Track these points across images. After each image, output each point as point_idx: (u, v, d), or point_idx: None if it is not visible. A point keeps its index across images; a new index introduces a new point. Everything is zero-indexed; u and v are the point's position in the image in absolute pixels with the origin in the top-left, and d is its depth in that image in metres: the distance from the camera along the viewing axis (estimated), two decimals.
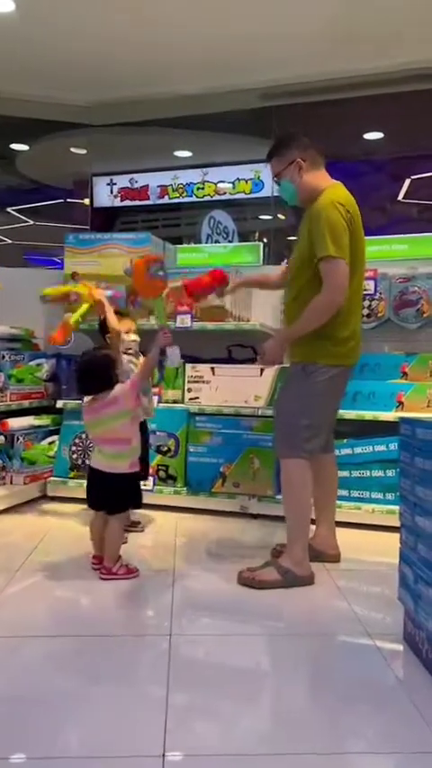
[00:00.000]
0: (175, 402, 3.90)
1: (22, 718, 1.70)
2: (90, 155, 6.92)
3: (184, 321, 3.82)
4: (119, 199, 6.81)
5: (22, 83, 5.70)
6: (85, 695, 1.84)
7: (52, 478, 4.07)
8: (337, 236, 2.52)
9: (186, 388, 3.87)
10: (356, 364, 2.81)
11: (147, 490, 3.66)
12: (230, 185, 6.46)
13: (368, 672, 1.99)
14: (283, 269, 3.08)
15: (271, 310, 3.95)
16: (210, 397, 3.80)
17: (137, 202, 6.76)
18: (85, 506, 3.02)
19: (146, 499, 3.69)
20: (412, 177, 6.66)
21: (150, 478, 3.69)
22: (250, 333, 3.91)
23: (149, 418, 3.39)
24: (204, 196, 6.53)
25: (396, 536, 2.19)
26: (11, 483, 3.99)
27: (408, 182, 6.70)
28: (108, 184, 6.81)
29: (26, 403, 4.20)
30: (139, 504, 2.93)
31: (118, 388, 2.75)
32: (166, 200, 6.66)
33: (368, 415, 3.58)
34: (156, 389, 3.76)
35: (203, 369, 3.84)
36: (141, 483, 3.54)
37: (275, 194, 4.70)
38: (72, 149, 6.96)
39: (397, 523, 2.19)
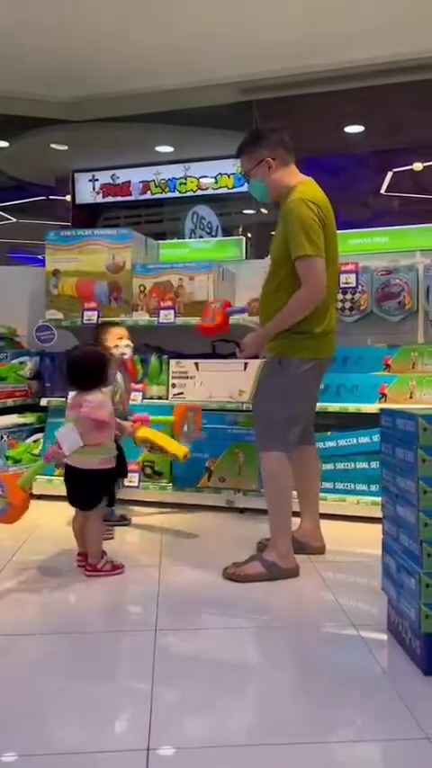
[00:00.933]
0: (159, 398, 3.89)
1: (6, 715, 1.70)
2: (71, 151, 6.87)
3: (168, 316, 3.82)
4: (101, 195, 6.77)
5: (1, 79, 5.65)
6: (69, 691, 1.84)
7: (37, 477, 4.05)
8: (311, 235, 2.55)
9: (171, 383, 3.86)
10: (332, 358, 2.84)
11: (133, 487, 3.68)
12: (213, 180, 6.45)
13: (353, 662, 2.01)
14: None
15: None
16: (194, 392, 3.80)
17: (119, 198, 6.73)
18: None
19: (132, 496, 3.73)
20: (394, 170, 6.68)
21: (136, 475, 3.69)
22: (234, 328, 3.90)
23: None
24: (187, 191, 6.51)
25: (381, 527, 2.20)
26: None
27: (390, 174, 6.72)
28: (90, 180, 6.76)
29: (10, 401, 4.17)
30: (112, 502, 2.90)
31: (99, 395, 2.70)
32: (148, 195, 6.64)
33: (351, 407, 3.59)
34: (140, 386, 3.76)
35: (187, 364, 3.84)
36: (127, 480, 3.58)
37: None
38: (53, 145, 6.90)
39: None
